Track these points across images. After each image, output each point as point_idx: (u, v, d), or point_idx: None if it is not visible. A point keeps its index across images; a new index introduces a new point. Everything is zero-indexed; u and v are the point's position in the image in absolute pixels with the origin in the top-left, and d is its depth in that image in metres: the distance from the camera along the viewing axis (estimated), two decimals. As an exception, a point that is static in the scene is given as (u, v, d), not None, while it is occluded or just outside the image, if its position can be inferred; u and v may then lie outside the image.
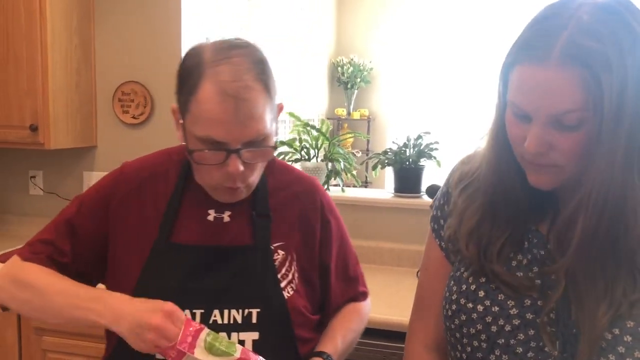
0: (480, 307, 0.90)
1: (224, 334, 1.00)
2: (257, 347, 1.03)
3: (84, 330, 2.03)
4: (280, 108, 1.08)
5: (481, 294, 0.91)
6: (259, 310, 1.05)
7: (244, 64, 0.97)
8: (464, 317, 0.92)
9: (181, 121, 1.03)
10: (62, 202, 2.67)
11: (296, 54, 4.56)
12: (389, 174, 2.56)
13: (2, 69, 2.32)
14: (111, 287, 1.09)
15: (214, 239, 1.09)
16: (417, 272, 1.33)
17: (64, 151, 2.60)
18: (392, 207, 2.29)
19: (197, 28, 2.56)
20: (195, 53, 1.01)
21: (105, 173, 2.72)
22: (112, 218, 1.11)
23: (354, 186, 2.65)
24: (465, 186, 0.99)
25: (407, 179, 2.33)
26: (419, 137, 2.34)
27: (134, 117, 2.54)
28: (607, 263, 0.83)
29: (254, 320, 1.04)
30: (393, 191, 2.38)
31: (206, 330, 0.96)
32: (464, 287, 0.94)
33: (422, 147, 2.33)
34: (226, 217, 1.10)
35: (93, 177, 2.64)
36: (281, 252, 1.10)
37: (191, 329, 0.95)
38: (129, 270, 1.07)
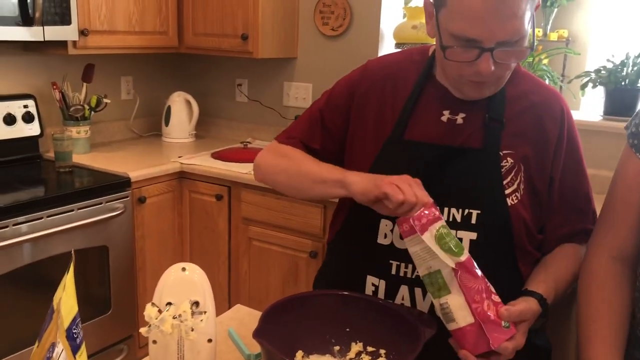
0: None
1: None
2: (474, 247, 1.04)
3: (284, 224, 2.23)
4: (537, 6, 1.02)
5: None
6: (479, 211, 1.05)
7: None
8: None
9: (434, 15, 1.02)
10: (264, 109, 2.89)
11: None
12: (588, 98, 2.33)
13: (219, -19, 2.51)
14: None
15: (445, 138, 1.10)
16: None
17: (267, 61, 2.77)
18: (601, 131, 2.12)
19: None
20: None
21: (303, 84, 2.87)
22: (354, 110, 1.18)
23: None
24: None
25: (621, 100, 2.11)
26: (641, 54, 2.10)
27: (333, 29, 2.60)
28: None
29: (473, 220, 1.05)
30: (602, 114, 2.19)
31: (443, 221, 0.95)
32: None
33: (643, 66, 2.08)
34: (459, 119, 1.11)
35: (292, 88, 2.79)
36: (510, 160, 1.08)
37: (430, 213, 0.93)
38: (362, 161, 1.14)
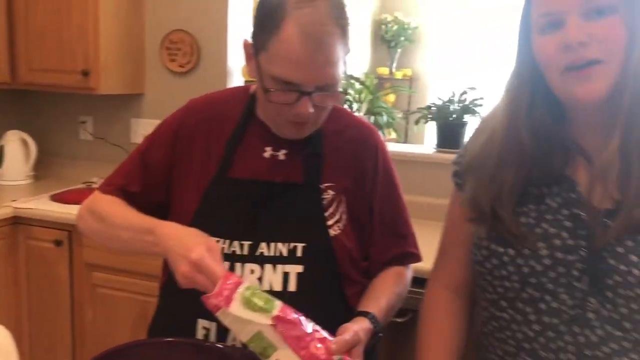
0: (511, 251, 0.93)
1: (264, 294, 0.95)
2: (301, 280, 1.06)
3: (131, 268, 2.13)
4: (347, 52, 1.08)
5: (511, 238, 0.94)
6: (304, 244, 1.08)
7: (326, 6, 0.98)
8: (495, 261, 0.95)
9: (254, 58, 1.04)
10: (110, 147, 2.77)
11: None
12: (429, 131, 2.55)
13: (55, 15, 2.38)
14: (173, 217, 1.15)
15: (268, 174, 1.12)
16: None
17: (113, 98, 2.67)
18: (433, 162, 2.29)
19: (244, -23, 2.56)
20: None
21: (152, 120, 2.79)
22: (179, 150, 1.16)
23: (396, 141, 2.65)
24: (481, 142, 1.02)
25: (450, 134, 2.31)
26: (464, 92, 2.32)
27: (180, 66, 2.58)
28: None
29: (299, 254, 1.07)
30: (435, 146, 2.38)
31: (245, 283, 0.92)
32: (493, 233, 0.96)
33: (466, 103, 2.30)
34: (281, 155, 1.13)
35: (140, 124, 2.71)
36: (331, 192, 1.12)
37: (229, 282, 0.91)
38: (189, 202, 1.13)
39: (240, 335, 0.91)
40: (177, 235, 0.99)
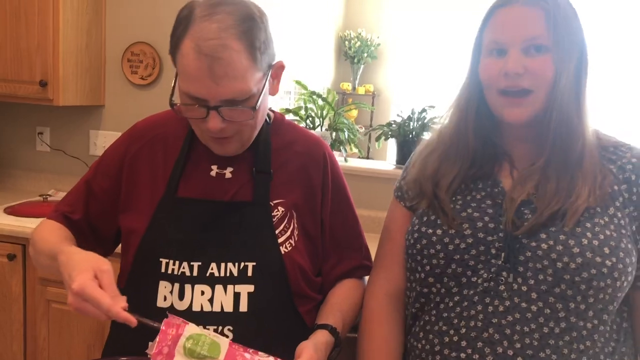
0: (439, 231, 1.07)
1: (207, 332, 0.94)
2: (252, 300, 1.05)
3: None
4: (279, 67, 1.08)
5: (440, 221, 1.08)
6: (254, 263, 1.07)
7: (227, 20, 0.96)
8: (424, 241, 1.08)
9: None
10: (68, 159, 2.72)
11: (303, 26, 4.56)
12: (390, 147, 2.60)
13: (13, 24, 2.34)
14: (123, 240, 1.16)
15: (215, 194, 1.11)
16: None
17: (72, 109, 2.63)
18: (393, 178, 2.31)
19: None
20: (187, 7, 1.02)
21: (111, 132, 2.76)
22: (125, 175, 1.15)
23: (358, 157, 2.68)
24: (425, 155, 1.18)
25: (409, 151, 2.35)
26: (423, 110, 2.37)
27: (142, 78, 2.56)
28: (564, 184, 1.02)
29: (250, 273, 1.06)
30: (395, 163, 2.42)
31: (187, 332, 0.90)
32: (424, 218, 1.11)
33: (425, 121, 2.36)
34: (228, 173, 1.13)
35: (99, 136, 2.67)
36: (281, 209, 1.12)
37: (171, 332, 0.89)
38: (138, 222, 1.11)
39: None
40: (68, 263, 0.95)
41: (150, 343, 0.90)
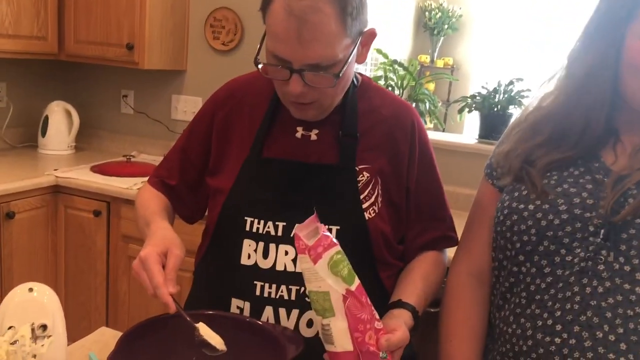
0: (531, 207, 1.00)
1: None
2: None
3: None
4: (370, 34, 1.04)
5: (532, 196, 1.00)
6: (338, 227, 1.06)
7: None
8: (515, 217, 1.01)
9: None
10: (150, 122, 2.79)
11: (384, -5, 4.44)
12: (469, 122, 2.49)
13: (103, -13, 2.41)
14: (210, 200, 1.17)
15: (300, 155, 1.10)
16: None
17: (155, 73, 2.69)
18: (475, 153, 2.24)
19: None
20: None
21: (192, 97, 2.80)
22: (216, 133, 1.16)
23: (438, 129, 2.61)
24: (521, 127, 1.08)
25: (494, 125, 2.26)
26: (511, 82, 2.26)
27: (224, 44, 2.58)
28: None
29: (333, 236, 1.05)
30: (477, 137, 2.33)
31: (338, 247, 0.91)
32: (515, 193, 1.03)
33: (512, 94, 2.24)
34: (313, 135, 1.11)
35: (181, 101, 2.72)
36: (366, 174, 1.09)
37: (327, 240, 0.91)
38: (223, 183, 1.12)
39: (310, 283, 0.90)
40: (152, 234, 1.03)
41: (297, 225, 0.92)
